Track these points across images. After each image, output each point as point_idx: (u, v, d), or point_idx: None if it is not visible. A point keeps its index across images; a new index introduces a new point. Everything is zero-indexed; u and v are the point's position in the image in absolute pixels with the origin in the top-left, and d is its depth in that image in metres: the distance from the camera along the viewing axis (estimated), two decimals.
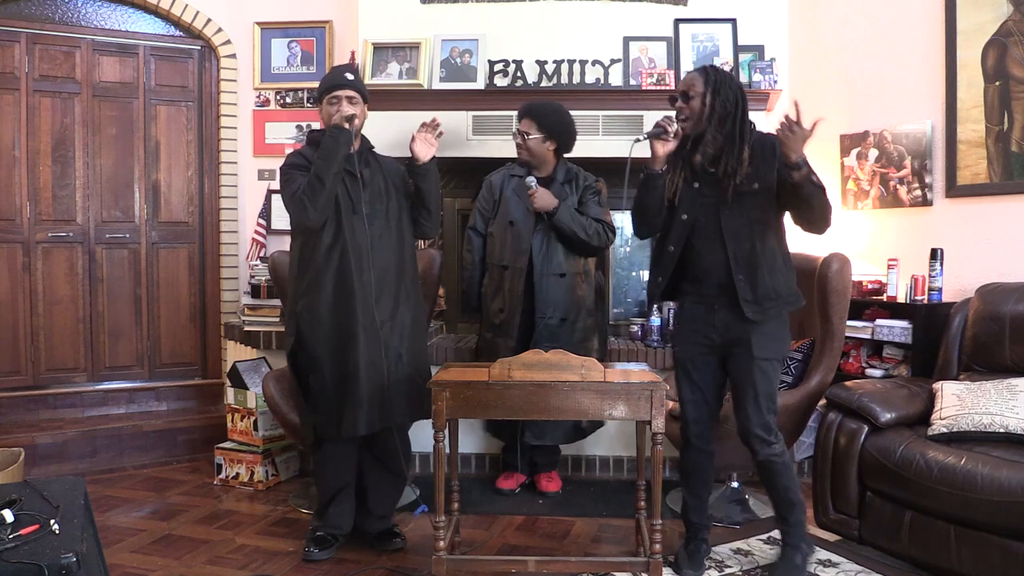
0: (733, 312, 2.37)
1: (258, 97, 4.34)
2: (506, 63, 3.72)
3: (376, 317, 2.58)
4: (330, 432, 2.60)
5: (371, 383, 2.57)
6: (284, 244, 4.01)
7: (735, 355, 2.41)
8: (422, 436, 3.46)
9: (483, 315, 3.32)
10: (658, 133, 2.38)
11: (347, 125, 2.54)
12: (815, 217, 2.31)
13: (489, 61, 3.74)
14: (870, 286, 3.43)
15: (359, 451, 2.72)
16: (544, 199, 3.06)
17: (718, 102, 2.32)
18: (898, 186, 3.48)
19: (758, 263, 2.34)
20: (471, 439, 3.66)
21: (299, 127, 4.31)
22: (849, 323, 3.10)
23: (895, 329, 3.18)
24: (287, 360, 2.71)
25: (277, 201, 4.28)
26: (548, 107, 3.14)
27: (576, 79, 3.70)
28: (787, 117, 2.17)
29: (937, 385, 2.68)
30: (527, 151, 3.14)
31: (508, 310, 3.17)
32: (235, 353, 4.05)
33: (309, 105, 4.31)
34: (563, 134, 3.15)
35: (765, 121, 3.67)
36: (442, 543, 2.34)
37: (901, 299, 3.29)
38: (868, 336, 3.30)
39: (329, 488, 2.71)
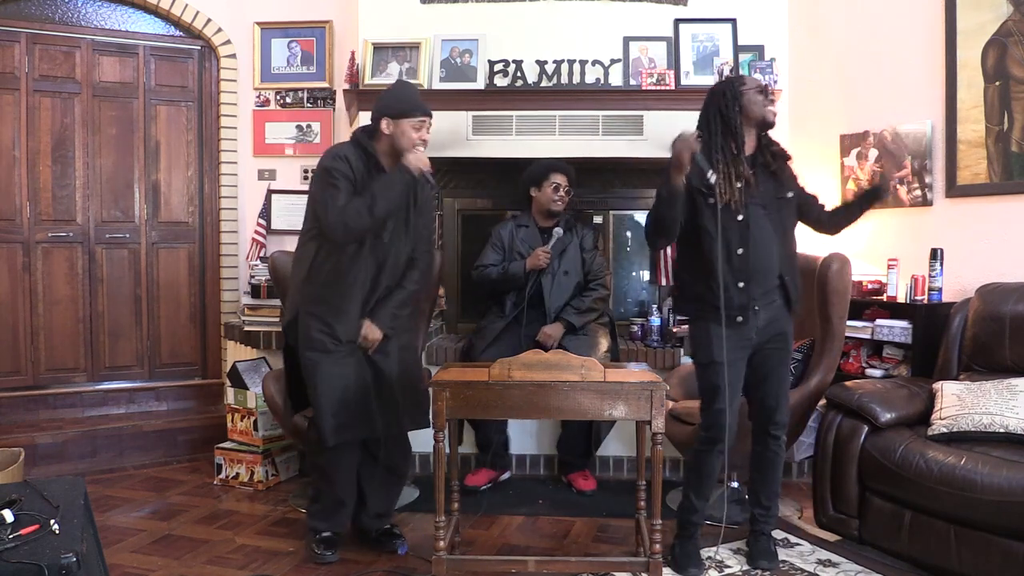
0: (778, 310, 2.50)
1: (258, 97, 4.34)
2: (506, 63, 3.72)
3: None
4: (346, 436, 2.56)
5: (381, 389, 2.61)
6: (284, 244, 4.01)
7: (769, 350, 2.51)
8: (422, 436, 3.46)
9: (488, 313, 3.50)
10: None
11: (430, 181, 2.57)
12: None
13: (489, 61, 3.73)
14: (870, 286, 3.43)
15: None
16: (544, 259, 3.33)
17: None
18: (898, 186, 3.48)
19: (794, 265, 2.53)
20: (471, 439, 3.65)
21: (299, 127, 4.31)
22: (849, 323, 3.10)
23: (895, 329, 3.18)
24: (285, 358, 2.70)
25: (277, 201, 4.28)
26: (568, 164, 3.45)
27: (576, 79, 3.70)
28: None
29: (937, 385, 2.68)
30: (566, 204, 3.44)
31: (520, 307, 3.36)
32: (235, 353, 4.05)
33: (309, 105, 4.31)
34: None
35: None
36: (442, 543, 2.34)
37: (901, 299, 3.29)
38: (868, 336, 3.30)
39: (338, 491, 2.69)
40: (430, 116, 2.59)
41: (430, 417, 2.70)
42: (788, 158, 2.54)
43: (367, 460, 2.73)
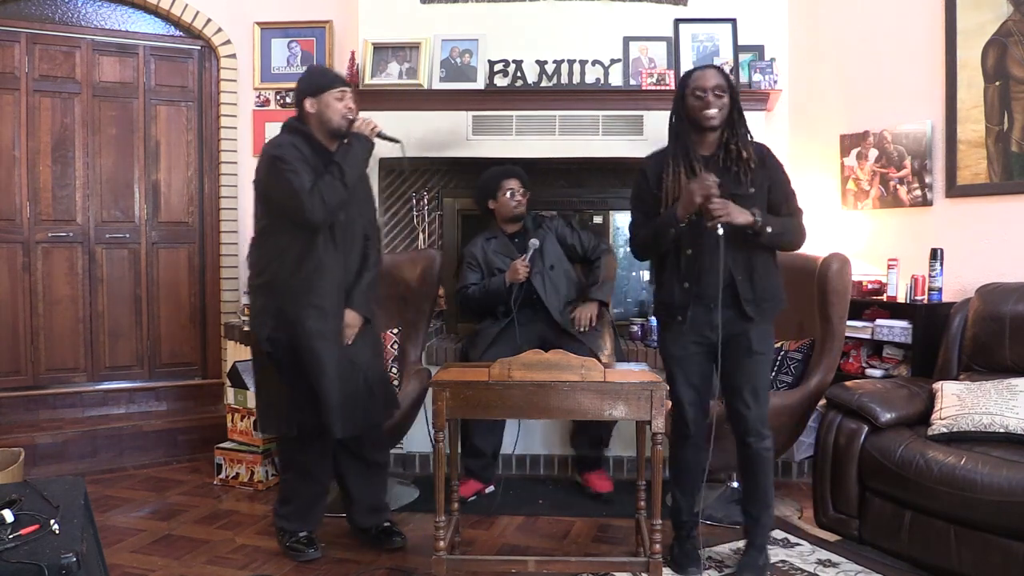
0: (733, 311, 2.39)
1: (258, 97, 4.34)
2: (506, 63, 3.72)
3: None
4: (351, 429, 2.58)
5: (360, 380, 2.63)
6: None
7: (732, 351, 2.43)
8: (422, 436, 3.46)
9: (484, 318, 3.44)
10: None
11: (392, 138, 2.67)
12: (785, 248, 2.48)
13: (489, 61, 3.73)
14: (870, 286, 3.43)
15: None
16: (522, 271, 3.25)
17: (735, 100, 2.40)
18: (898, 186, 3.49)
19: (754, 265, 2.40)
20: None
21: None
22: (849, 323, 3.10)
23: (895, 329, 3.18)
24: (266, 354, 2.58)
25: None
26: (521, 169, 3.43)
27: (576, 79, 3.70)
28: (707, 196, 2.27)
29: (937, 385, 2.68)
30: (526, 205, 3.41)
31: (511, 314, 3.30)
32: (235, 353, 4.05)
33: None
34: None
35: (764, 122, 3.66)
36: (442, 543, 2.34)
37: (901, 299, 3.29)
38: (868, 336, 3.30)
39: (319, 486, 2.72)
40: (349, 87, 2.64)
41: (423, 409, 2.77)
42: (745, 159, 2.38)
43: (345, 455, 2.73)
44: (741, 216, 2.29)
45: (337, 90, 2.58)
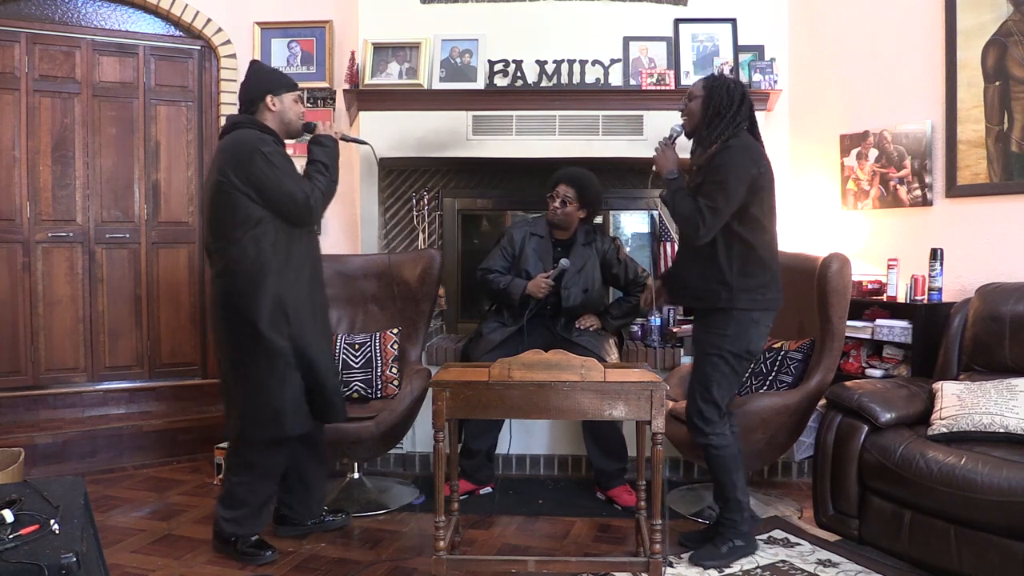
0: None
1: None
2: (506, 63, 3.72)
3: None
4: (309, 424, 2.66)
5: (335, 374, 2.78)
6: None
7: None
8: (422, 436, 3.47)
9: (487, 319, 3.42)
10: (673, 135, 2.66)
11: (363, 141, 2.93)
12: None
13: (489, 61, 3.74)
14: (870, 286, 3.43)
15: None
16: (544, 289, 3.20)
17: (711, 104, 2.49)
18: (898, 186, 3.49)
19: (682, 255, 2.62)
20: None
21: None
22: (849, 323, 3.10)
23: (895, 329, 3.18)
24: (273, 352, 2.54)
25: None
26: (590, 179, 3.29)
27: (576, 79, 3.70)
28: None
29: (937, 385, 2.68)
30: (563, 216, 3.28)
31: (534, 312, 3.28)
32: None
33: (309, 105, 4.30)
34: (596, 205, 3.37)
35: (764, 122, 3.66)
36: (442, 543, 2.34)
37: (901, 299, 3.29)
38: (868, 336, 3.30)
39: (274, 488, 2.73)
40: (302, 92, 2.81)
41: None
42: (708, 154, 2.48)
43: (307, 449, 2.76)
44: (663, 166, 2.57)
45: (296, 93, 2.68)
